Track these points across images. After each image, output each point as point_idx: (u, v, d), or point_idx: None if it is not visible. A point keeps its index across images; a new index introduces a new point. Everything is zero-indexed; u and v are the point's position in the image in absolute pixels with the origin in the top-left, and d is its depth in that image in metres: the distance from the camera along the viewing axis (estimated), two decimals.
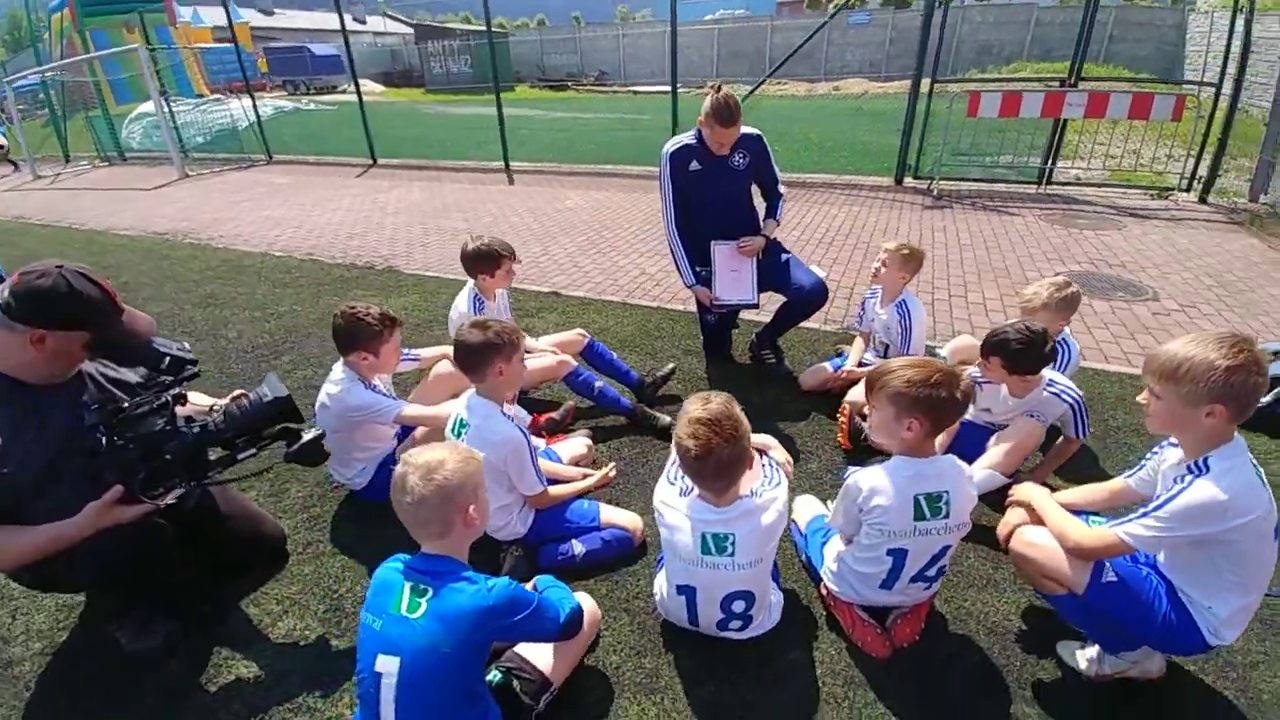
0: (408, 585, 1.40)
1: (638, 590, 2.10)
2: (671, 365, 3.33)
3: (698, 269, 3.30)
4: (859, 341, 3.28)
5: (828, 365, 3.29)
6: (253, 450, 1.75)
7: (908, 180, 7.90)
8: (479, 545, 1.71)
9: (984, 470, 2.27)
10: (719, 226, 3.27)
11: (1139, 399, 1.59)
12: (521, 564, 2.11)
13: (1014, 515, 1.87)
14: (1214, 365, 1.40)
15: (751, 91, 9.08)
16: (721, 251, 3.26)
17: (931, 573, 1.82)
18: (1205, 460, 1.47)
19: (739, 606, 1.75)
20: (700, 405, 1.64)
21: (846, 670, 1.83)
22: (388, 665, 1.33)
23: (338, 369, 2.33)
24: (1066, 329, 2.68)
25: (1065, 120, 7.05)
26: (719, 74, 22.31)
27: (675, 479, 1.81)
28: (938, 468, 1.76)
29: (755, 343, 3.59)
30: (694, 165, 3.14)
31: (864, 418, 2.81)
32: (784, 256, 3.31)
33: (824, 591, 2.00)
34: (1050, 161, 7.37)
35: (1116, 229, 5.98)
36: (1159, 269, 4.94)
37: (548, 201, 7.86)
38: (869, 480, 1.76)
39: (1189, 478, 1.47)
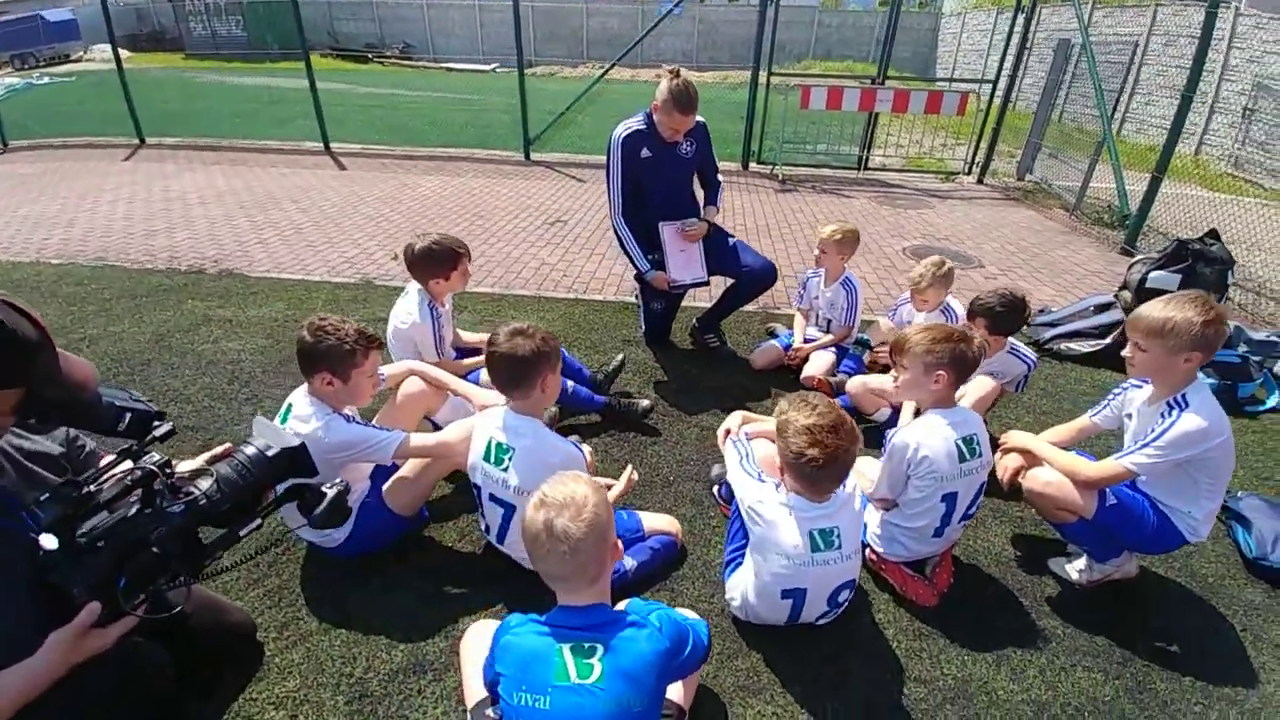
0: (566, 649, 1.19)
1: (698, 594, 2.04)
2: (620, 356, 3.23)
3: (650, 255, 3.24)
4: (799, 319, 3.47)
5: (776, 343, 3.44)
6: (257, 522, 1.35)
7: (752, 165, 8.51)
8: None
9: None
10: (665, 214, 3.24)
11: (1124, 353, 1.92)
12: None
13: (1011, 460, 2.15)
14: (1193, 322, 1.73)
15: (600, 77, 9.03)
16: (670, 233, 3.23)
17: (973, 510, 2.03)
18: (1183, 396, 1.82)
19: (844, 596, 1.78)
20: (810, 411, 1.62)
21: (911, 624, 1.96)
22: None
23: (301, 402, 1.88)
24: (949, 298, 3.12)
25: (875, 113, 8.10)
26: (537, 55, 21.75)
27: (764, 478, 1.77)
28: (964, 415, 1.98)
29: (698, 327, 3.63)
30: (645, 152, 3.06)
31: (834, 389, 3.02)
32: (730, 240, 3.37)
33: (873, 557, 2.11)
34: (866, 149, 8.46)
35: (929, 207, 7.05)
36: (973, 240, 5.93)
37: (398, 189, 7.08)
38: (913, 436, 1.91)
39: (1175, 412, 1.81)
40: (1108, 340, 3.41)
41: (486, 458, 1.81)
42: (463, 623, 1.86)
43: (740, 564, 1.86)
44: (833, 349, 3.28)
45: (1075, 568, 2.15)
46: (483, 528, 2.01)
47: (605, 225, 5.75)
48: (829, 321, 3.34)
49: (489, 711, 1.34)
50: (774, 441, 1.74)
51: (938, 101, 7.81)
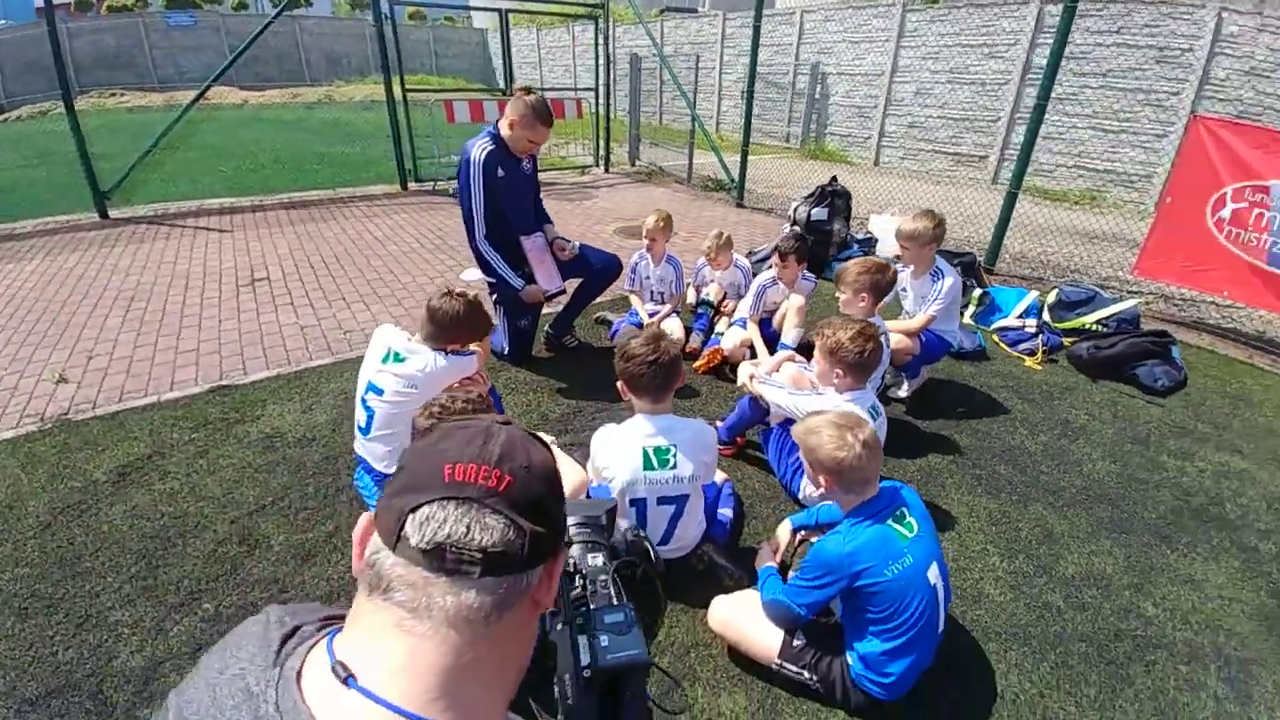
0: (891, 522, 1.63)
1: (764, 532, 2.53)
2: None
3: (518, 272, 3.33)
4: (636, 299, 4.03)
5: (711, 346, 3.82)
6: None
7: (412, 185, 8.34)
8: None
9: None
10: (521, 229, 3.37)
11: (897, 258, 3.14)
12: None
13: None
14: (929, 226, 3.02)
15: (193, 103, 7.34)
16: (532, 245, 3.39)
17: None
18: (938, 269, 3.12)
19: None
20: (849, 325, 2.24)
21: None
22: (935, 576, 1.61)
23: (405, 343, 2.23)
24: (735, 255, 4.19)
25: None
26: (7, 93, 15.19)
27: (817, 391, 2.36)
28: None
29: (553, 333, 3.84)
30: (500, 171, 3.11)
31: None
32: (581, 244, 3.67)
33: None
34: None
35: (595, 197, 8.26)
36: (644, 213, 7.33)
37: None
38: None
39: (940, 277, 3.09)
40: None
41: (648, 467, 1.92)
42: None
43: (804, 470, 2.43)
44: (740, 326, 3.77)
45: (903, 389, 3.39)
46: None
47: (305, 273, 5.12)
48: (661, 294, 4.01)
49: None
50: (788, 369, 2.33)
51: (561, 108, 9.02)
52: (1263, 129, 4.06)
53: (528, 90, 3.09)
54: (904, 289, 3.33)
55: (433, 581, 0.55)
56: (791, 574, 1.78)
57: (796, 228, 5.22)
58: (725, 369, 3.61)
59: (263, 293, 4.68)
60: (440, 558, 0.55)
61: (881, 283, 2.78)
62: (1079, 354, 3.78)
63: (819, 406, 2.24)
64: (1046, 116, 9.23)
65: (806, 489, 2.44)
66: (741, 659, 1.85)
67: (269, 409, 3.15)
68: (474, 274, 4.40)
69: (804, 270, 3.69)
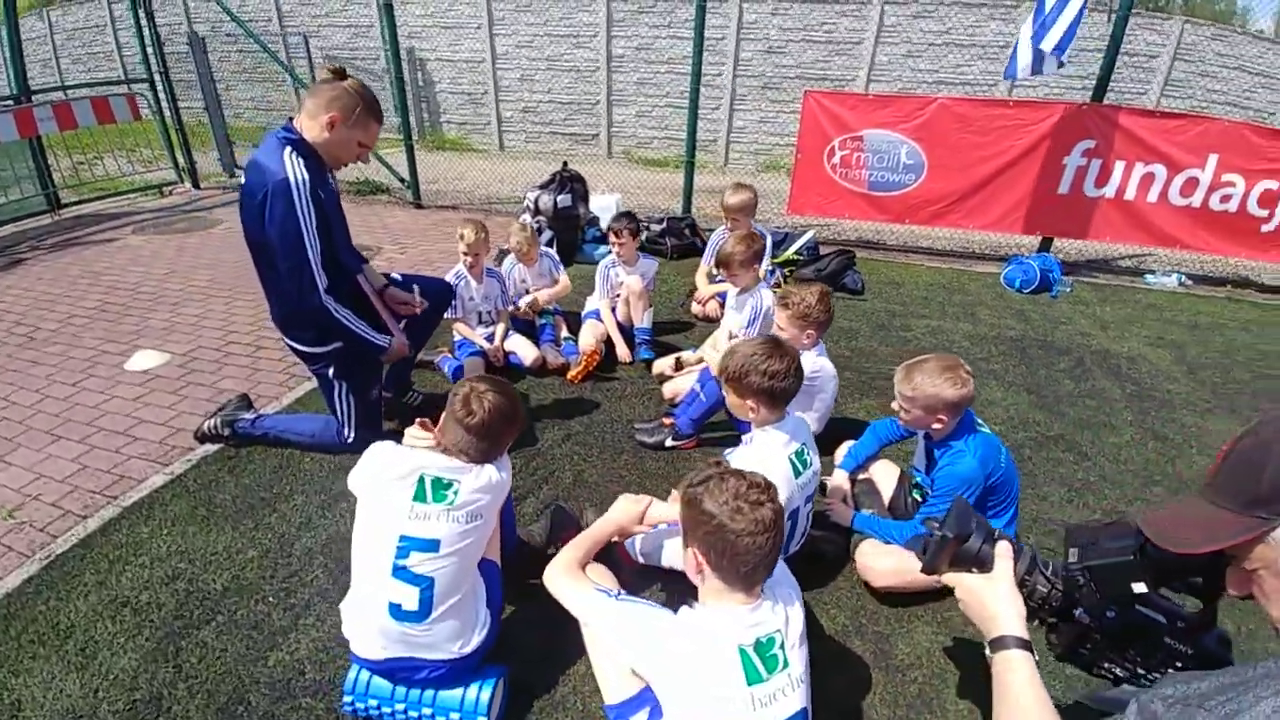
0: (978, 425, 2.00)
1: None
2: None
3: (374, 324, 2.51)
4: (463, 326, 3.44)
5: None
6: None
7: None
8: None
9: None
10: (353, 267, 2.51)
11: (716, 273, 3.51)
12: None
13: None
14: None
15: None
16: (366, 285, 2.61)
17: None
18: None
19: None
20: (809, 290, 2.45)
21: None
22: None
23: (443, 463, 1.58)
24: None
25: (40, 137, 5.99)
26: None
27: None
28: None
29: (392, 396, 3.02)
30: (321, 193, 2.20)
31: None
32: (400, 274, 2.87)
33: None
34: (50, 186, 6.25)
35: (224, 221, 6.29)
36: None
37: None
38: None
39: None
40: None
41: (796, 475, 1.83)
42: None
43: None
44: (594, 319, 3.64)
45: None
46: None
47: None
48: (490, 315, 3.51)
49: None
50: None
51: (107, 108, 6.43)
52: (853, 95, 5.81)
53: (340, 73, 2.22)
54: (733, 305, 3.34)
55: None
56: (921, 507, 2.01)
57: (542, 218, 5.13)
58: (606, 365, 3.49)
59: None
60: None
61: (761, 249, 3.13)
62: (807, 277, 4.90)
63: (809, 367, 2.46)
64: (635, 98, 10.94)
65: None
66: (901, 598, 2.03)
67: None
68: (146, 360, 3.43)
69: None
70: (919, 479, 2.19)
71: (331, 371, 2.51)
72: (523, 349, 3.45)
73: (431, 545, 1.45)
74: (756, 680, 1.16)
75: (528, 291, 3.77)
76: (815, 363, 2.57)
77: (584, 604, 1.39)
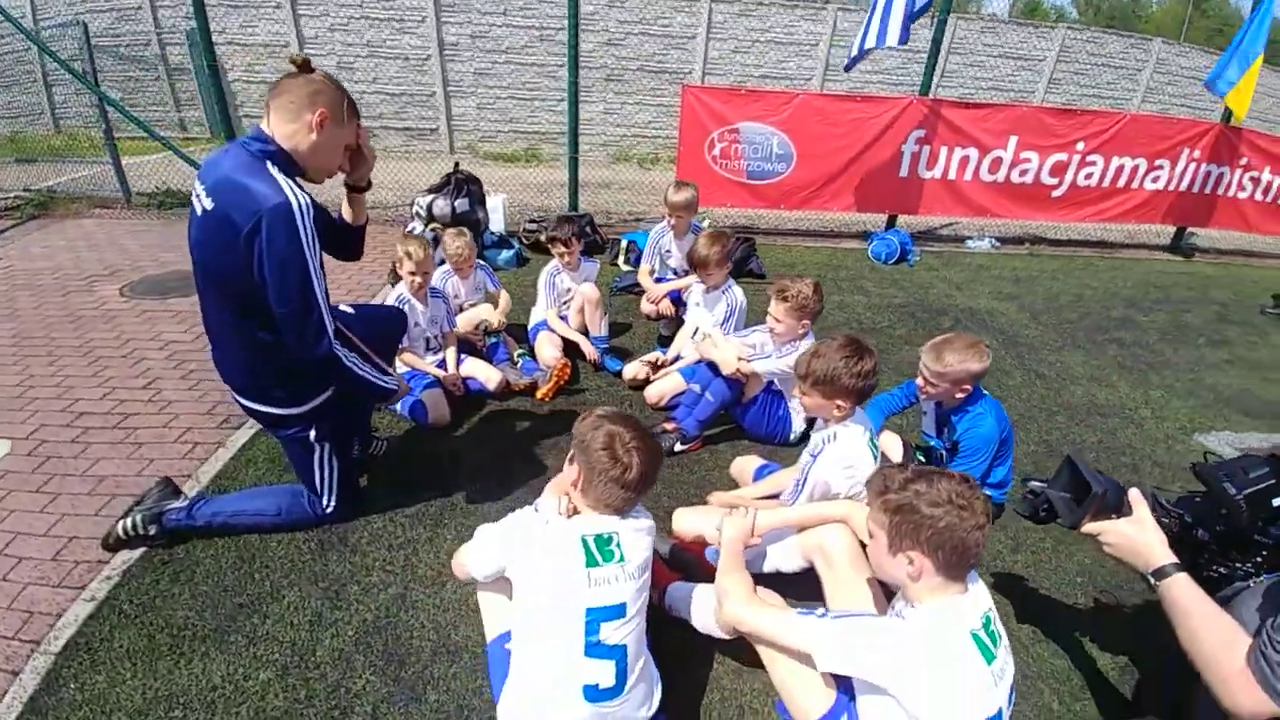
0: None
1: None
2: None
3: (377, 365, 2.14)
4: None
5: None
6: None
7: None
8: None
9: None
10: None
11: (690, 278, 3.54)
12: None
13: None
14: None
15: None
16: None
17: None
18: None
19: None
20: (804, 283, 2.56)
21: None
22: None
23: (599, 522, 1.43)
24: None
25: None
26: None
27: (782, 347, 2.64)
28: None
29: (360, 454, 2.59)
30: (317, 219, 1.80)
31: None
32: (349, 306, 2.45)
33: None
34: None
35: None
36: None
37: None
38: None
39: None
40: None
41: (875, 459, 1.94)
42: None
43: (789, 415, 2.77)
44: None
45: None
46: None
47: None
48: (437, 339, 3.17)
49: None
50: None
51: None
52: (726, 89, 6.06)
53: (306, 65, 1.80)
54: (697, 302, 3.36)
55: None
56: (953, 466, 2.25)
57: (437, 226, 4.69)
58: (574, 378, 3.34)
59: None
60: None
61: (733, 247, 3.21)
62: None
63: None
64: (474, 89, 10.40)
65: (799, 426, 2.82)
66: None
67: None
68: None
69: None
70: (932, 443, 2.44)
71: (313, 434, 2.09)
72: (482, 372, 3.16)
73: (619, 611, 1.30)
74: (990, 659, 1.25)
75: (460, 309, 3.47)
76: None
77: (792, 630, 1.36)
